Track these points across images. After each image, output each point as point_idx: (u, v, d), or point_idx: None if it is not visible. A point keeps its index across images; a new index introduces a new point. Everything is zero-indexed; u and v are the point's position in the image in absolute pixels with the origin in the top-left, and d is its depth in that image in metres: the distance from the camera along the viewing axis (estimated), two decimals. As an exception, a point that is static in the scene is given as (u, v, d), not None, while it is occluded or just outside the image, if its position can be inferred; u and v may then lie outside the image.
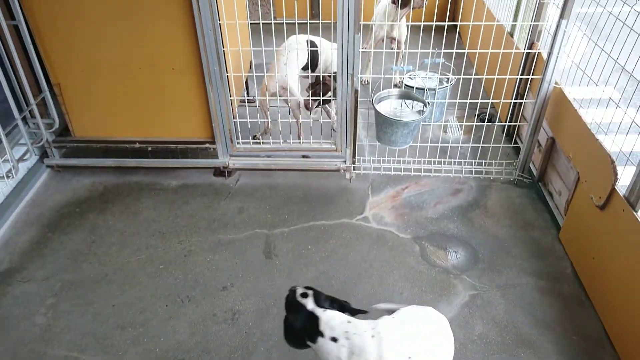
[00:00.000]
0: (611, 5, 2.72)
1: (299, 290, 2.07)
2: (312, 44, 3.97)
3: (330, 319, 1.98)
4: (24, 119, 3.68)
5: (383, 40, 4.80)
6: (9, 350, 2.70)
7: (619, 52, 2.66)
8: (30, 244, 3.36)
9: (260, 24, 3.44)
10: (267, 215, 3.56)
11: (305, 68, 4.01)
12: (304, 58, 3.93)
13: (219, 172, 3.93)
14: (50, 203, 3.70)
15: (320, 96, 3.71)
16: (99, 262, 3.21)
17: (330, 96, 3.70)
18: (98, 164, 3.94)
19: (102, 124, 3.84)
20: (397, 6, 4.45)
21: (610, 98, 2.78)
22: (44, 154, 3.97)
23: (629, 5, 2.56)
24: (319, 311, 2.00)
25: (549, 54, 3.23)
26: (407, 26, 4.74)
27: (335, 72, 3.41)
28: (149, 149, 3.83)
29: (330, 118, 4.24)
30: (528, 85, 3.77)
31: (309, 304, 2.02)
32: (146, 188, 3.83)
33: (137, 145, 3.81)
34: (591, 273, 2.92)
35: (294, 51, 3.79)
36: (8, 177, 3.53)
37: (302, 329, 2.01)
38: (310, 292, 2.05)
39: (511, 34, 4.24)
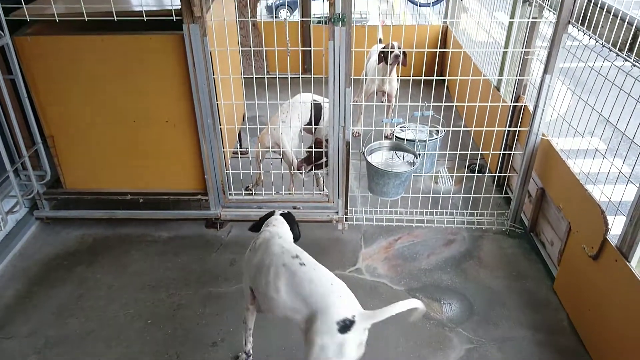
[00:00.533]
0: (592, 60, 2.83)
1: (282, 210, 2.75)
2: (316, 102, 4.01)
3: (268, 220, 2.66)
4: (16, 171, 3.68)
5: (374, 94, 4.91)
6: (-13, 412, 2.58)
7: (603, 104, 2.74)
8: (15, 298, 3.28)
9: (254, 78, 3.51)
10: (259, 267, 3.50)
11: (308, 124, 4.05)
12: (305, 118, 3.98)
13: (211, 223, 3.91)
14: (38, 256, 3.64)
15: (313, 160, 3.72)
16: (86, 317, 3.12)
17: (323, 161, 3.71)
18: (88, 215, 3.91)
19: (95, 176, 3.84)
20: (385, 62, 4.59)
21: (596, 149, 2.83)
22: (34, 206, 3.93)
23: (609, 61, 2.66)
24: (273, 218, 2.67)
25: (535, 107, 3.32)
26: (398, 80, 4.88)
27: (327, 139, 3.44)
28: (141, 200, 3.81)
29: (318, 186, 4.18)
30: (516, 137, 3.84)
31: (277, 214, 2.69)
32: (136, 240, 3.79)
33: (129, 196, 3.80)
34: (587, 325, 2.88)
35: (294, 110, 3.84)
36: (-4, 229, 3.49)
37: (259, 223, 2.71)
38: (286, 212, 2.73)
39: (497, 88, 4.36)
